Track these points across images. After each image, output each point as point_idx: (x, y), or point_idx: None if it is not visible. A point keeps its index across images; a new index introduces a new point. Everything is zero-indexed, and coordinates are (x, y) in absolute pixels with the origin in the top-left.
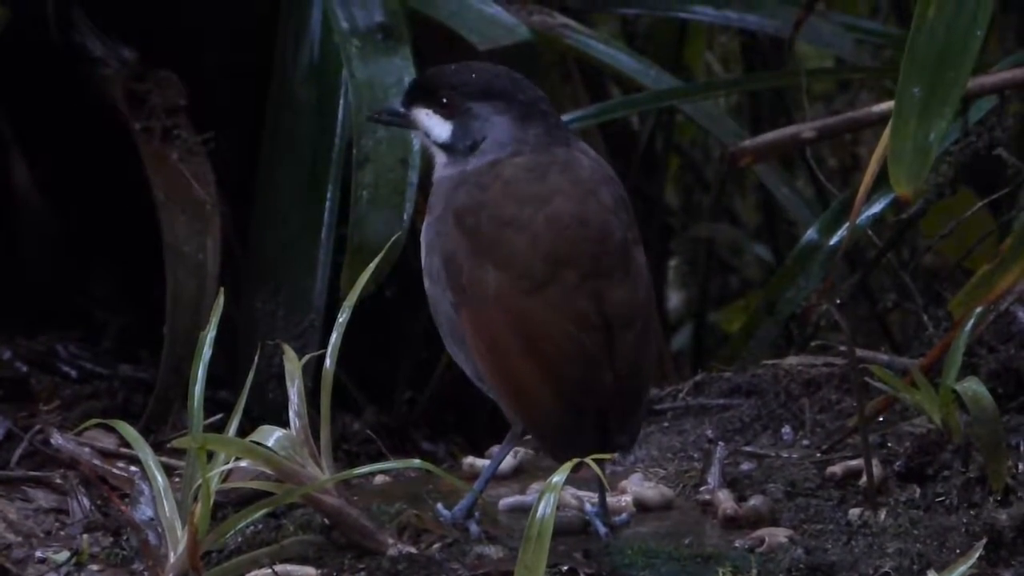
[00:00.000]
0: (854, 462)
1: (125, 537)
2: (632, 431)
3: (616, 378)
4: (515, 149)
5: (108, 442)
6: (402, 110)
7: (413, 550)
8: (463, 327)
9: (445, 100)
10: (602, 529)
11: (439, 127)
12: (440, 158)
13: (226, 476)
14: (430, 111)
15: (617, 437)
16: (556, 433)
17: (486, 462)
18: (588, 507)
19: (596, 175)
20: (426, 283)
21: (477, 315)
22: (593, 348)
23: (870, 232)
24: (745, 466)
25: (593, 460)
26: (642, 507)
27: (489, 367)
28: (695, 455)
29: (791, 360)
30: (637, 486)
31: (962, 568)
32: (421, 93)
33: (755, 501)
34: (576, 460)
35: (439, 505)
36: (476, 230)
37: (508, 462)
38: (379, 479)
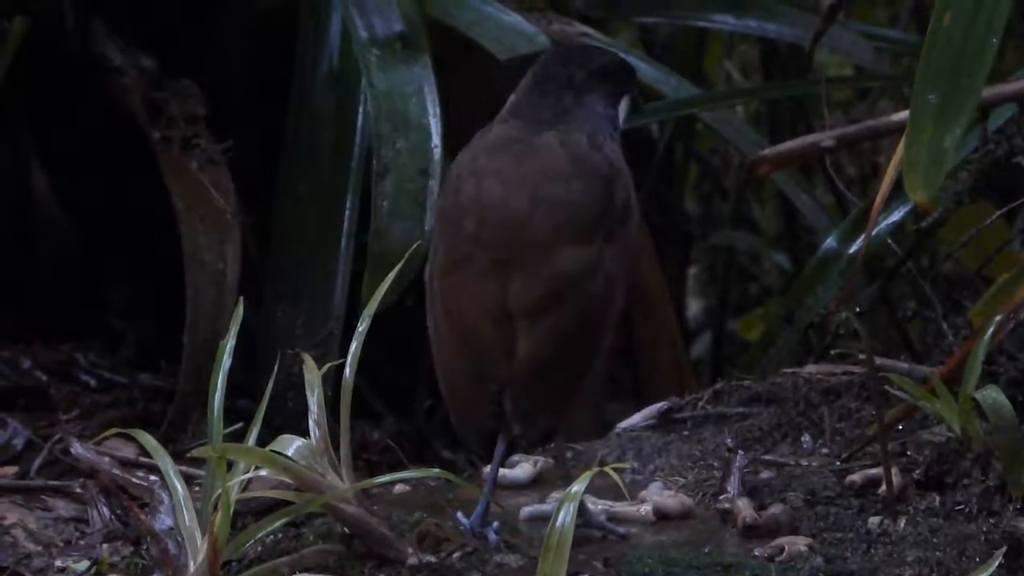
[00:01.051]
0: (873, 471)
1: (145, 546)
2: (531, 428)
3: (514, 370)
4: (508, 115)
5: (128, 451)
6: None
7: (433, 559)
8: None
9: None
10: (620, 530)
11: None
12: None
13: (246, 485)
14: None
15: (515, 429)
16: (455, 413)
17: (506, 471)
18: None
19: (561, 167)
20: None
21: (428, 286)
22: (485, 336)
23: (889, 240)
24: (765, 474)
25: (612, 470)
26: (662, 516)
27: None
28: (715, 463)
29: (810, 368)
30: (657, 495)
31: None
32: None
33: (775, 510)
34: (596, 469)
35: (459, 514)
36: (442, 197)
37: (527, 470)
38: (399, 488)
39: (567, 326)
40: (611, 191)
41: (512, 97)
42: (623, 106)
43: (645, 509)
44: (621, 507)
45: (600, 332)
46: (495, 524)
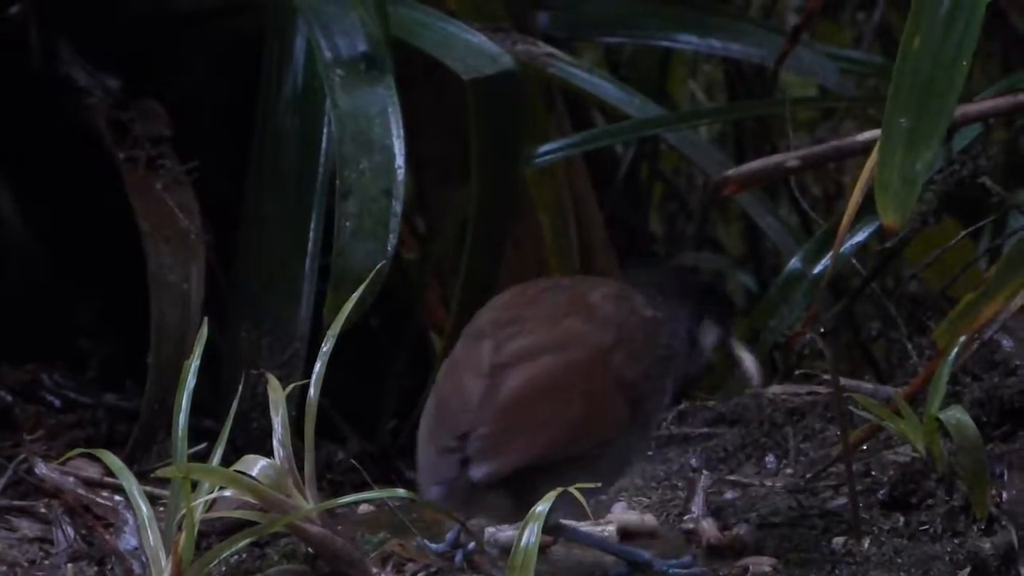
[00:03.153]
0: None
1: (110, 566)
2: (492, 468)
3: (477, 414)
4: None
5: (92, 471)
6: None
7: None
8: None
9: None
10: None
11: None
12: None
13: (210, 505)
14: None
15: (474, 468)
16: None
17: None
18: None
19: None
20: None
21: None
22: (455, 386)
23: (854, 261)
24: (729, 495)
25: (577, 490)
26: (626, 535)
27: None
28: (679, 483)
29: (775, 389)
30: (621, 514)
31: None
32: None
33: (739, 530)
34: (561, 489)
35: (424, 540)
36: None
37: None
38: (363, 508)
39: (573, 384)
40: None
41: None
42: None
43: (610, 529)
44: (586, 527)
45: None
46: (469, 546)
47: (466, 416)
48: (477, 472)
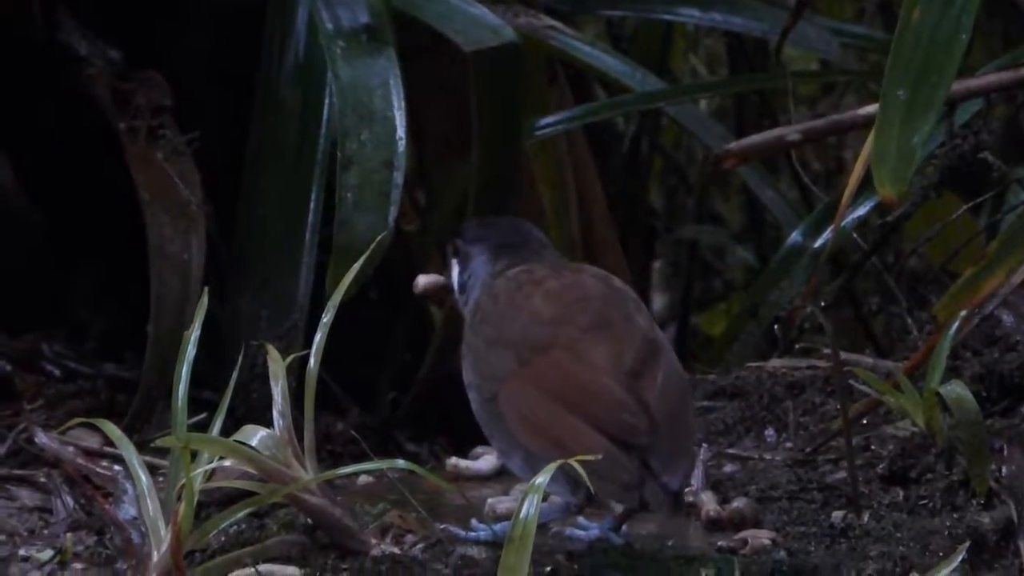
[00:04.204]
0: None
1: (108, 536)
2: (678, 473)
3: (650, 420)
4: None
5: (92, 441)
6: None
7: (396, 550)
8: (498, 411)
9: (457, 247)
10: (616, 540)
11: (454, 271)
12: (457, 299)
13: (210, 475)
14: (454, 259)
15: (665, 477)
16: (609, 477)
17: (470, 462)
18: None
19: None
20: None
21: (508, 393)
22: (615, 391)
23: (855, 235)
24: (728, 468)
25: (577, 462)
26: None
27: (529, 436)
28: None
29: (775, 363)
30: None
31: (945, 571)
32: (452, 244)
33: (738, 503)
34: (560, 461)
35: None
36: (485, 334)
37: (491, 463)
38: (362, 479)
39: (676, 371)
40: None
41: (478, 275)
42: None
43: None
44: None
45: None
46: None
47: (631, 418)
48: (675, 482)
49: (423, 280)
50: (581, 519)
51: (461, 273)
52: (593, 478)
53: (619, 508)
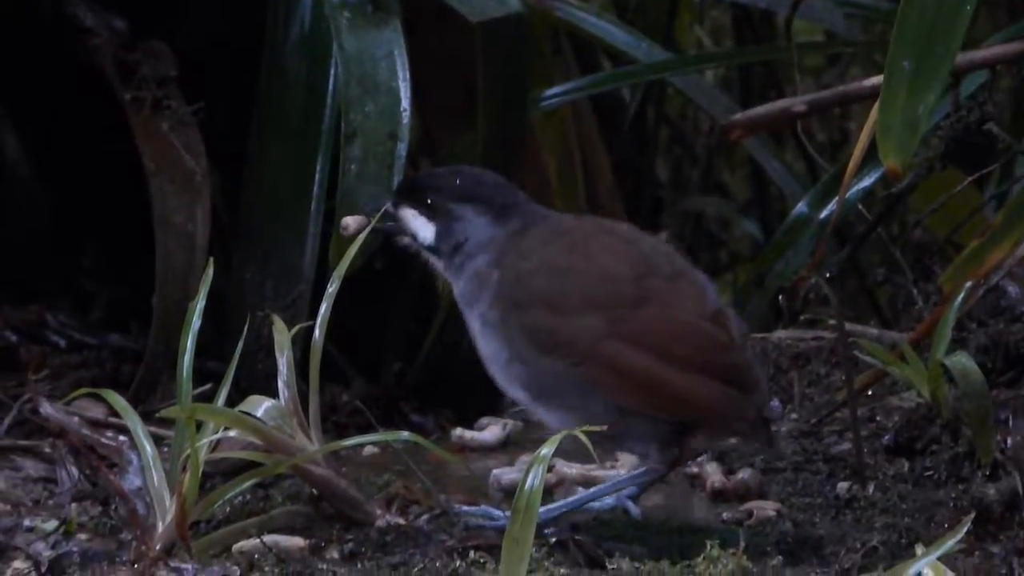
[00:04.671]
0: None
1: (113, 506)
2: (768, 406)
3: (746, 358)
4: (499, 244)
5: (97, 411)
6: (390, 207)
7: (401, 521)
8: (591, 380)
9: (430, 202)
10: (634, 510)
11: (424, 228)
12: (431, 258)
13: (215, 446)
14: (415, 212)
15: (765, 412)
16: (732, 417)
17: (475, 433)
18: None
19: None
20: (499, 372)
21: (604, 355)
22: (718, 334)
23: (860, 206)
24: (733, 439)
25: (583, 433)
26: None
27: (639, 395)
28: None
29: (780, 334)
30: (629, 458)
31: (950, 542)
32: (408, 194)
33: (743, 474)
34: (565, 432)
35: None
36: (542, 297)
37: (496, 433)
38: (368, 450)
39: None
40: None
41: (477, 240)
42: None
43: (618, 472)
44: (595, 470)
45: None
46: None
47: (736, 358)
48: (774, 413)
49: (353, 223)
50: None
51: (443, 234)
52: (716, 422)
53: (640, 476)
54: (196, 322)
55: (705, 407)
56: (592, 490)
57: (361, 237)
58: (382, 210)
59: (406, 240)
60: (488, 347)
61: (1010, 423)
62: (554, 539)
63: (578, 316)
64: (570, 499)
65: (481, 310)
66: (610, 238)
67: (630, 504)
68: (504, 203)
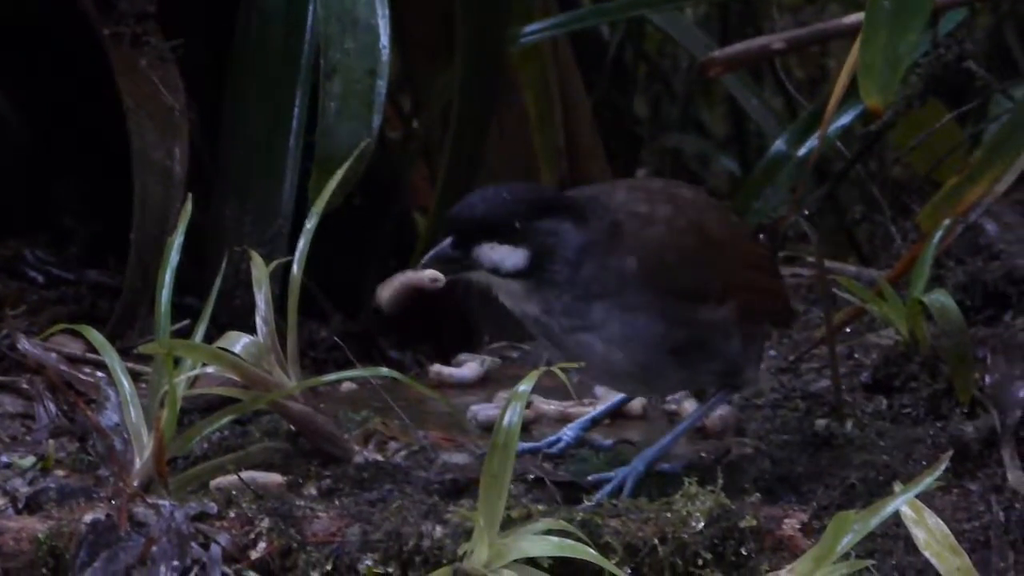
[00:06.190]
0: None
1: (91, 443)
2: None
3: None
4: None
5: (75, 347)
6: (451, 252)
7: (379, 457)
8: (735, 311)
9: (518, 226)
10: (605, 443)
11: (510, 257)
12: (509, 285)
13: (192, 382)
14: (493, 244)
15: None
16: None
17: (453, 370)
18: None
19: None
20: (650, 349)
21: (742, 286)
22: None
23: (839, 143)
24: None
25: (560, 370)
26: (612, 416)
27: (767, 304)
28: None
29: None
30: (610, 394)
31: (928, 480)
32: (478, 231)
33: (722, 411)
34: (544, 369)
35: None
36: (683, 256)
37: (474, 369)
38: (346, 387)
39: None
40: None
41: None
42: None
43: (598, 408)
44: (572, 407)
45: None
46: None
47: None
48: None
49: (387, 291)
50: (596, 436)
51: (539, 254)
52: (789, 314)
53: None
54: (174, 258)
55: (788, 301)
56: (681, 425)
57: (339, 173)
58: (444, 262)
59: (478, 276)
60: (638, 329)
61: (988, 361)
62: (669, 473)
63: (708, 259)
64: (665, 439)
65: (622, 300)
66: (676, 191)
67: (597, 436)
68: (568, 205)
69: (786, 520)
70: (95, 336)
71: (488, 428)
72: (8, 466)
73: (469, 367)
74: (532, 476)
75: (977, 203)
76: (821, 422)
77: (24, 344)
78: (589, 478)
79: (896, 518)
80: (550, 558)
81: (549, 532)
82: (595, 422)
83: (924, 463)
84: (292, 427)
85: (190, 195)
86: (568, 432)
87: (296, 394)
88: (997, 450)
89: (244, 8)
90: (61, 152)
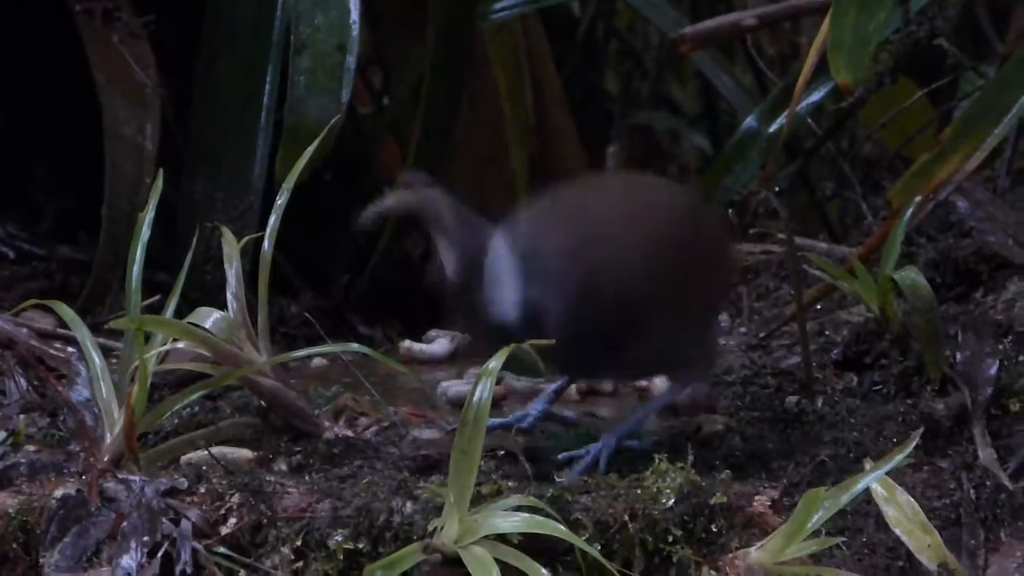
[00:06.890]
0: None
1: (62, 418)
2: None
3: None
4: None
5: (45, 323)
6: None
7: (349, 433)
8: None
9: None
10: (570, 416)
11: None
12: None
13: (163, 358)
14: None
15: None
16: None
17: (423, 346)
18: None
19: None
20: None
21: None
22: None
23: (809, 120)
24: None
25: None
26: (584, 392)
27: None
28: None
29: None
30: None
31: (898, 457)
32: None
33: (692, 388)
34: (514, 345)
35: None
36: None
37: (444, 346)
38: (316, 362)
39: None
40: None
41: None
42: None
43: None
44: (542, 383)
45: None
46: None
47: None
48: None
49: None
50: (568, 412)
51: (527, 282)
52: None
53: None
54: (145, 233)
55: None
56: (649, 404)
57: (310, 149)
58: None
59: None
60: None
61: (959, 338)
62: (638, 450)
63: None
64: (637, 415)
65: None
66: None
67: (565, 410)
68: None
69: (757, 497)
70: (66, 311)
71: (458, 404)
72: None
73: (439, 343)
74: (503, 452)
75: (948, 180)
76: (791, 399)
77: None
78: (560, 456)
79: (867, 495)
80: (520, 534)
81: (519, 508)
82: (558, 393)
83: (895, 440)
84: (262, 403)
85: (161, 171)
86: (536, 406)
87: (266, 370)
88: (968, 427)
89: None
90: (33, 128)
